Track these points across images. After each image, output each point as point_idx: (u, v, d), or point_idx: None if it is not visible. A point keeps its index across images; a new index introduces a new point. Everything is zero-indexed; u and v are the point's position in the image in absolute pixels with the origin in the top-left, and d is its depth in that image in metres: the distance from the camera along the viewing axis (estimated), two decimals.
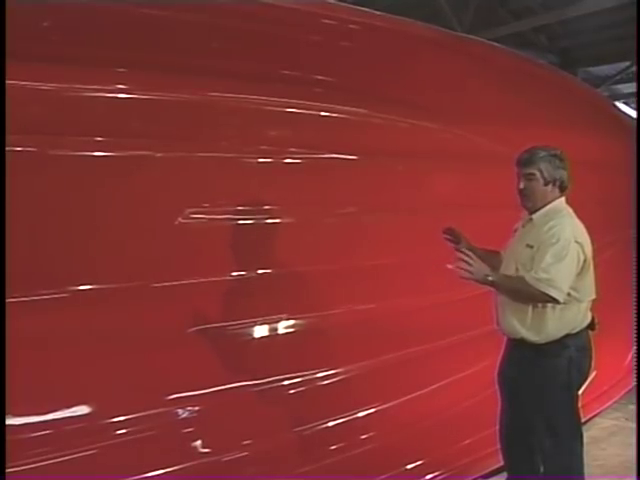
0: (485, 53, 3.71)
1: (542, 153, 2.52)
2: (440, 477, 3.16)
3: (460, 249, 2.49)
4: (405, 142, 3.41)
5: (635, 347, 4.75)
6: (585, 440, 3.65)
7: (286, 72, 2.95)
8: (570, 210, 2.57)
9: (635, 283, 4.82)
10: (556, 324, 2.46)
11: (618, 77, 9.46)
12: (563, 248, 2.39)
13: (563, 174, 2.53)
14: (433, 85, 3.40)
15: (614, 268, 4.61)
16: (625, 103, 9.53)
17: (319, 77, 3.05)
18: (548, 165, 2.50)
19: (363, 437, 3.20)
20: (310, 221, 3.18)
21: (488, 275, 2.41)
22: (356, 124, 3.24)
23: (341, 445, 3.12)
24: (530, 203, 2.54)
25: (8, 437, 1.93)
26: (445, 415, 3.37)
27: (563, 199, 2.57)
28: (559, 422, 2.54)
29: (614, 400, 4.22)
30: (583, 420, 3.80)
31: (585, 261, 2.47)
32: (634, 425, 3.78)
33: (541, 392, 2.51)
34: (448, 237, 2.75)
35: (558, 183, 2.53)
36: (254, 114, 2.91)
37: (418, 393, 3.44)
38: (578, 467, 2.60)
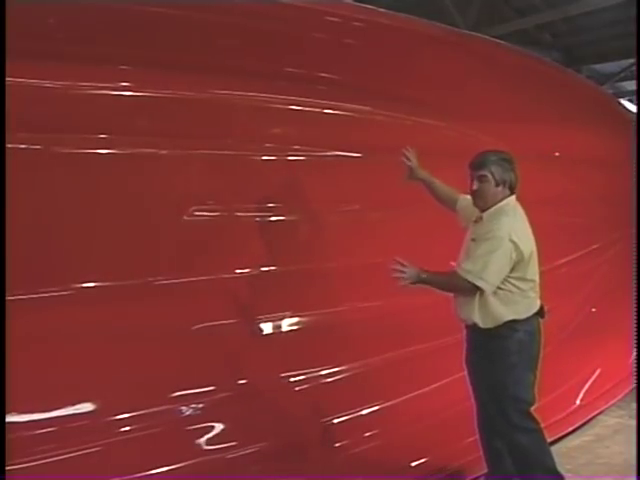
0: (489, 51, 3.70)
1: (493, 157, 2.67)
2: (442, 475, 3.15)
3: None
4: (409, 140, 3.39)
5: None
6: (589, 438, 3.70)
7: (290, 70, 2.95)
8: (518, 209, 2.69)
9: (636, 282, 4.80)
10: (500, 310, 2.61)
11: (622, 74, 9.41)
12: (493, 244, 2.55)
13: (512, 176, 2.68)
14: (437, 83, 3.40)
15: (618, 266, 4.61)
16: (629, 100, 9.51)
17: (323, 75, 3.05)
18: (498, 168, 2.65)
19: (365, 435, 3.19)
20: (314, 218, 3.18)
21: (420, 274, 2.53)
22: (360, 122, 3.24)
23: (343, 443, 3.12)
24: (482, 202, 2.68)
25: (12, 435, 1.93)
26: (447, 413, 3.36)
27: (513, 198, 2.69)
28: (507, 402, 2.64)
29: (618, 398, 4.21)
30: (587, 419, 3.83)
31: (521, 258, 2.58)
32: None
33: (492, 372, 2.66)
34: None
35: (507, 184, 2.67)
36: (258, 112, 2.92)
37: (420, 391, 3.44)
38: (536, 445, 2.69)
